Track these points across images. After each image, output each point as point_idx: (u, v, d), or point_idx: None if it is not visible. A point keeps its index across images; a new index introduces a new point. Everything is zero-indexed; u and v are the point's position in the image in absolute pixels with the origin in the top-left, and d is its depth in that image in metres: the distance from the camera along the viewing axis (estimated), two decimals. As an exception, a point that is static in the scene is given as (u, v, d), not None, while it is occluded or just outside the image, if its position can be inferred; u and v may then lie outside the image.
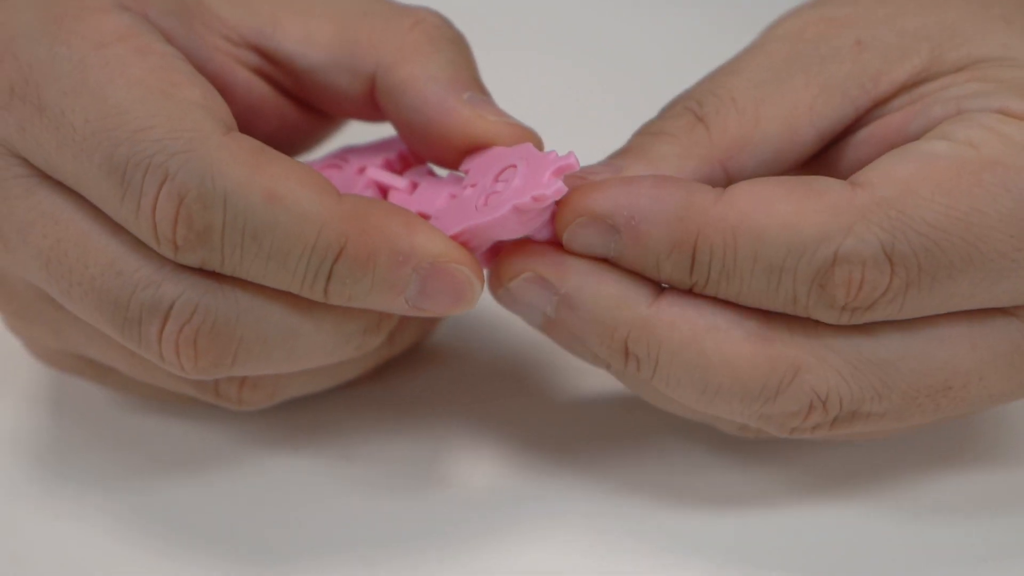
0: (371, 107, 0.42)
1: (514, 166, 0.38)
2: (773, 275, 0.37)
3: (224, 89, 0.42)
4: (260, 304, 0.38)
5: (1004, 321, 0.38)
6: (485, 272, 0.39)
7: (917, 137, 0.39)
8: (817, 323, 0.38)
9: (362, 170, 0.42)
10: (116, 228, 0.38)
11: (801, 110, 0.40)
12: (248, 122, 0.43)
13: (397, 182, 0.42)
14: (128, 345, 0.39)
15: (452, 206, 0.39)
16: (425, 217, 0.40)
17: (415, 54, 0.41)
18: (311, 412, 0.45)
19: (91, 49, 0.38)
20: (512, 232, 0.38)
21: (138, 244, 0.38)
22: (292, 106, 0.43)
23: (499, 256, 0.40)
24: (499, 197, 0.38)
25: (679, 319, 0.38)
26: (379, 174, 0.42)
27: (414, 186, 0.41)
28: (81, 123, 0.37)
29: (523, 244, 0.39)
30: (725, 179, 0.40)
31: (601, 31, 0.62)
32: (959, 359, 0.38)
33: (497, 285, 0.40)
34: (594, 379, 0.46)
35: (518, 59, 0.60)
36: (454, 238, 0.38)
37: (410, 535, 0.42)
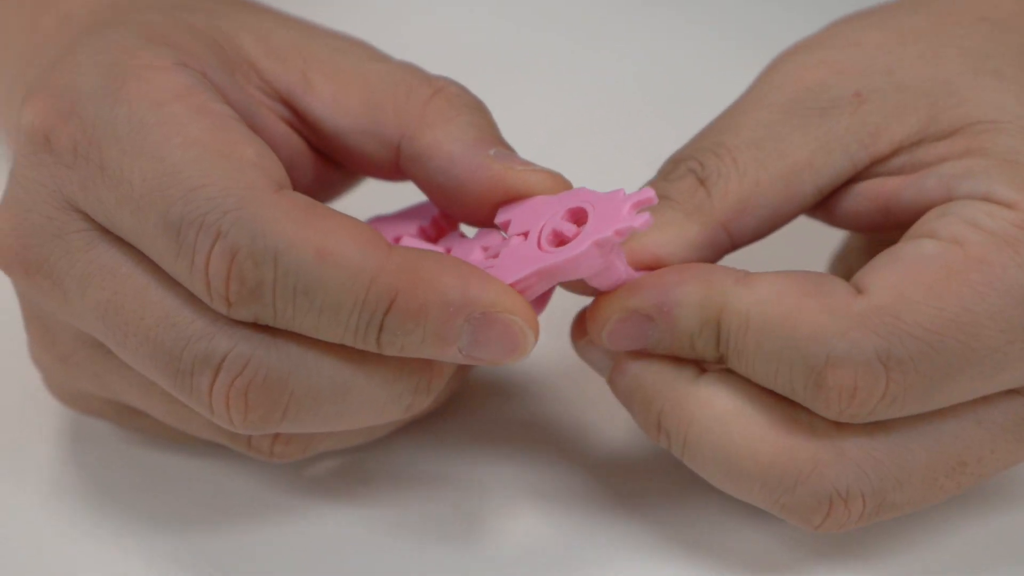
0: (398, 171, 0.43)
1: (580, 209, 0.39)
2: (771, 364, 0.38)
3: (268, 142, 0.42)
4: (312, 358, 0.38)
5: (1007, 399, 0.40)
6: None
7: (909, 208, 0.41)
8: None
9: (397, 240, 0.43)
10: (172, 282, 0.39)
11: (800, 167, 0.41)
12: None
13: (433, 249, 0.42)
14: (179, 396, 0.39)
15: (509, 255, 0.40)
16: None
17: (437, 120, 0.42)
18: (346, 457, 0.45)
19: (150, 109, 0.39)
20: (586, 270, 0.39)
21: (193, 298, 0.39)
22: (321, 161, 0.44)
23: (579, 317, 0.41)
24: (586, 225, 0.38)
25: (712, 399, 0.40)
26: (414, 244, 0.43)
27: (448, 252, 0.42)
28: (139, 181, 0.38)
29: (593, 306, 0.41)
30: (728, 240, 0.42)
31: (602, 64, 0.63)
32: (969, 437, 0.40)
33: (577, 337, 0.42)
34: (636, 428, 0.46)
35: (522, 98, 0.60)
36: (514, 284, 0.39)
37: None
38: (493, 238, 0.41)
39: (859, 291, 0.38)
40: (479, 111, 0.42)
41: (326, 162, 0.44)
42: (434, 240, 0.43)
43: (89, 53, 0.40)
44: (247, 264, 0.37)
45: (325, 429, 0.40)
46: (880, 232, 0.43)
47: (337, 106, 0.42)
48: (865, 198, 0.42)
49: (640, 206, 0.38)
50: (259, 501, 0.44)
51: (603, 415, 0.46)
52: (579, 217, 0.39)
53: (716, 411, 0.39)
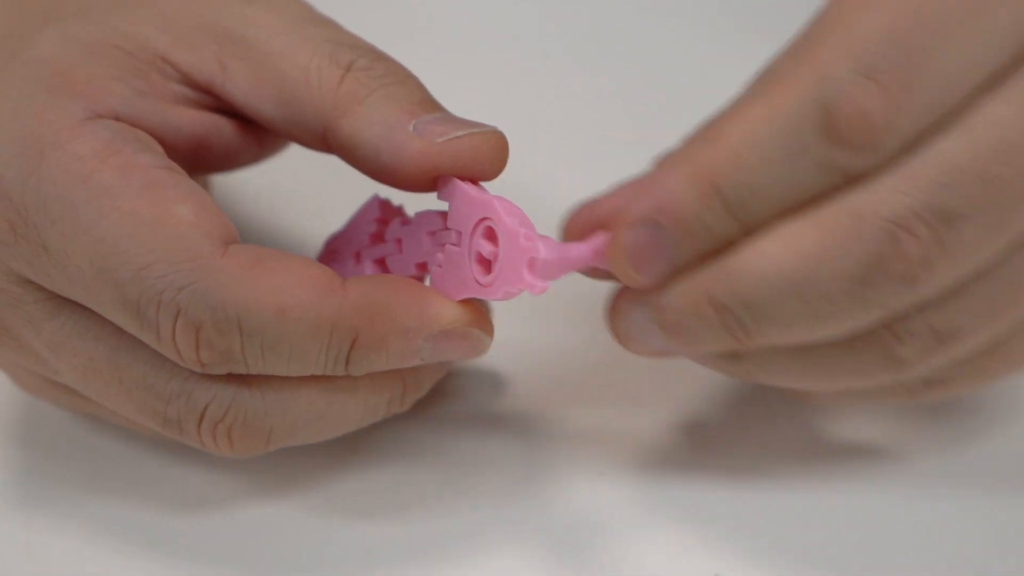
0: (331, 150, 0.42)
1: (491, 228, 0.39)
2: (795, 160, 0.36)
3: (196, 137, 0.42)
4: (287, 394, 0.40)
5: None
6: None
7: None
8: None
9: (358, 256, 0.44)
10: (140, 343, 0.40)
11: None
12: (205, 149, 0.43)
13: (388, 249, 0.43)
14: (169, 436, 0.41)
15: (449, 266, 0.41)
16: (422, 267, 0.42)
17: (349, 105, 0.41)
18: (310, 449, 0.46)
19: (76, 184, 0.38)
20: (512, 296, 0.39)
21: (164, 357, 0.40)
22: (256, 128, 0.44)
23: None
24: (494, 273, 0.39)
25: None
26: (373, 252, 0.44)
27: (399, 243, 0.43)
28: (86, 264, 0.38)
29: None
30: None
31: (603, 38, 0.61)
32: (1008, 130, 0.36)
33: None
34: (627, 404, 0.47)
35: (513, 67, 0.59)
36: (461, 301, 0.40)
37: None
38: (435, 220, 0.42)
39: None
40: (392, 78, 0.41)
41: (261, 129, 0.44)
42: (383, 236, 0.44)
43: None
44: (213, 334, 0.38)
45: (309, 442, 0.42)
46: None
47: (257, 98, 0.42)
48: None
49: (533, 267, 0.38)
50: (247, 477, 0.46)
51: (593, 389, 0.48)
52: (494, 237, 0.39)
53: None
